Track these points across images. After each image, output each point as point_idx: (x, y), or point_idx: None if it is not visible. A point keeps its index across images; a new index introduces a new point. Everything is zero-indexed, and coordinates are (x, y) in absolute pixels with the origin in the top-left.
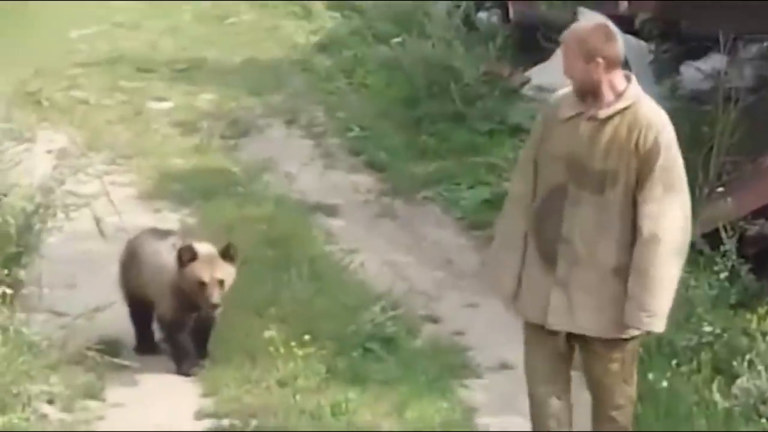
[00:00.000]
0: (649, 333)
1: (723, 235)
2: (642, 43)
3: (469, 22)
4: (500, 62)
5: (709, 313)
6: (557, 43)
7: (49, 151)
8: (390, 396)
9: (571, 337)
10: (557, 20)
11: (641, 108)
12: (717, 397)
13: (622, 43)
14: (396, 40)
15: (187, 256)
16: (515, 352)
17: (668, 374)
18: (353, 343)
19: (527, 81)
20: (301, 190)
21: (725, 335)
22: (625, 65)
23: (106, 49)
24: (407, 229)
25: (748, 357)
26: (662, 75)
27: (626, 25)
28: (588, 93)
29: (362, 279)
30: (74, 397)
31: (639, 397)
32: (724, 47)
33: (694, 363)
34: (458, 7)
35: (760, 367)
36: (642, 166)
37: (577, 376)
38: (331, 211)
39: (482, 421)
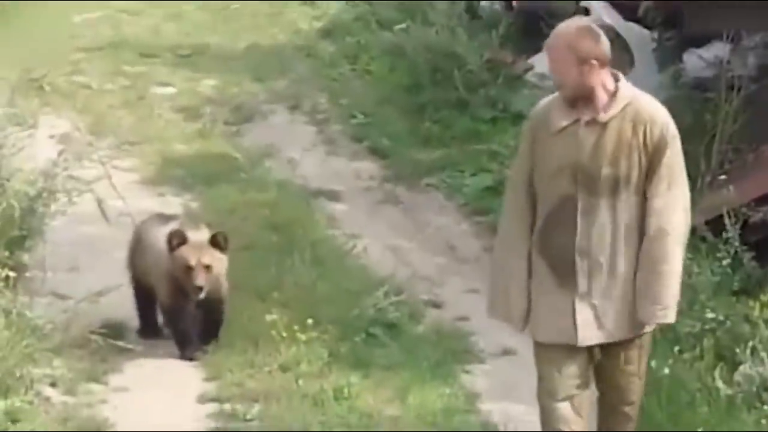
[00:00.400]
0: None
1: (726, 222)
2: (645, 30)
3: (472, 10)
4: (503, 49)
5: (712, 300)
6: None
7: (52, 136)
8: (392, 381)
9: (593, 347)
10: (560, 7)
11: (640, 104)
12: (719, 383)
13: (607, 41)
14: (400, 26)
15: (176, 240)
16: (518, 337)
17: (671, 361)
18: (356, 327)
19: (530, 68)
20: (304, 175)
21: (728, 322)
22: (628, 53)
23: (109, 34)
24: (410, 215)
25: (750, 344)
26: (665, 63)
27: (629, 12)
28: (582, 98)
29: (365, 264)
30: (77, 380)
31: None
32: (727, 36)
33: (697, 350)
34: None
35: (763, 354)
36: (650, 162)
37: None
38: (333, 196)
39: (484, 406)
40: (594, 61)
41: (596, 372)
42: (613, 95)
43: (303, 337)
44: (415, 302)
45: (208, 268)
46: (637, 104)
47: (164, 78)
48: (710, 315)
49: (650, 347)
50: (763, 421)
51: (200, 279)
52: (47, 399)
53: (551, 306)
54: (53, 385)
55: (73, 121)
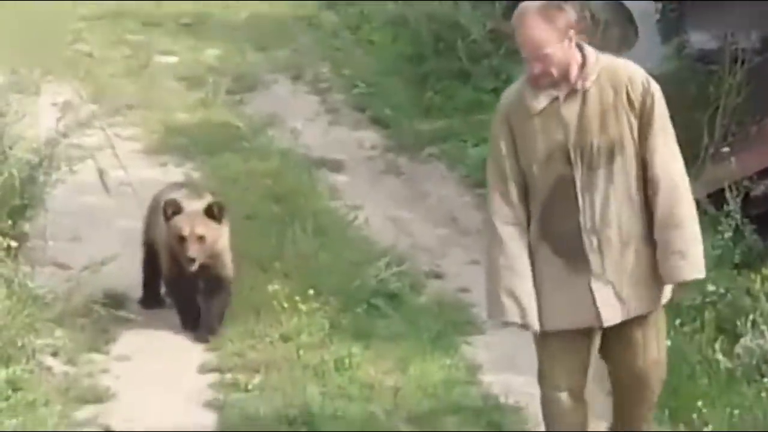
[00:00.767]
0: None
1: (728, 195)
2: (648, 2)
3: None
4: (506, 20)
5: (713, 273)
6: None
7: (54, 104)
8: (393, 352)
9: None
10: None
11: (614, 66)
12: (720, 356)
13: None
14: None
15: (171, 209)
16: None
17: (671, 333)
18: (357, 298)
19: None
20: (306, 145)
21: (729, 295)
22: (633, 25)
23: (111, 2)
24: (412, 186)
25: (751, 317)
26: (669, 35)
27: None
28: (562, 77)
29: (366, 235)
30: (78, 349)
31: None
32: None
33: (698, 322)
34: None
35: (763, 327)
36: (641, 119)
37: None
38: (335, 166)
39: (485, 378)
40: (572, 33)
41: (610, 364)
42: (582, 65)
43: (304, 307)
44: (416, 273)
45: (201, 238)
46: (609, 67)
47: (166, 47)
48: (711, 288)
49: (665, 332)
50: (763, 394)
51: (192, 250)
52: (49, 368)
53: (564, 292)
54: (55, 354)
55: (75, 89)
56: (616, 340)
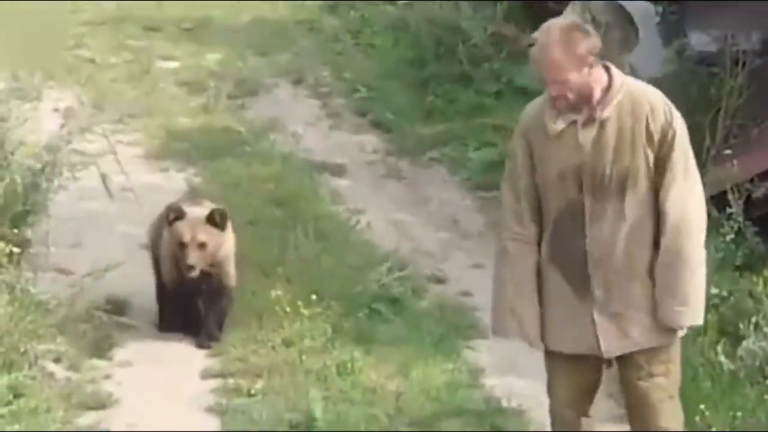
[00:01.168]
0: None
1: (729, 197)
2: (649, 4)
3: None
4: (507, 23)
5: (715, 276)
6: (565, 2)
7: (56, 110)
8: (395, 356)
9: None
10: None
11: (635, 92)
12: (722, 359)
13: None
14: (403, 0)
15: (173, 215)
16: None
17: None
18: (359, 303)
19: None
20: (308, 149)
21: (731, 297)
22: (633, 28)
23: (112, 7)
24: (413, 190)
25: (753, 319)
26: (669, 37)
27: None
28: (582, 101)
29: (368, 239)
30: (81, 355)
31: None
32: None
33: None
34: None
35: (766, 329)
36: (659, 152)
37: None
38: (337, 171)
39: (488, 381)
40: (591, 59)
41: (624, 390)
42: (606, 89)
43: (306, 312)
44: (418, 277)
45: (202, 245)
46: (632, 94)
47: (168, 52)
48: (714, 290)
49: (681, 364)
50: (766, 396)
51: (192, 257)
52: (51, 374)
53: (568, 315)
54: (57, 360)
55: (76, 95)
56: (624, 367)
